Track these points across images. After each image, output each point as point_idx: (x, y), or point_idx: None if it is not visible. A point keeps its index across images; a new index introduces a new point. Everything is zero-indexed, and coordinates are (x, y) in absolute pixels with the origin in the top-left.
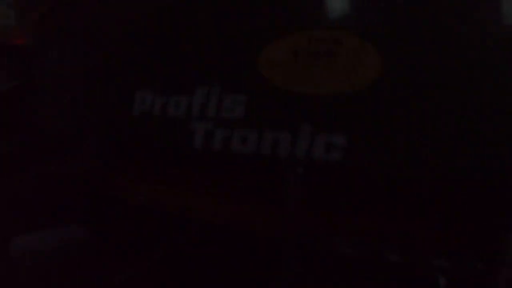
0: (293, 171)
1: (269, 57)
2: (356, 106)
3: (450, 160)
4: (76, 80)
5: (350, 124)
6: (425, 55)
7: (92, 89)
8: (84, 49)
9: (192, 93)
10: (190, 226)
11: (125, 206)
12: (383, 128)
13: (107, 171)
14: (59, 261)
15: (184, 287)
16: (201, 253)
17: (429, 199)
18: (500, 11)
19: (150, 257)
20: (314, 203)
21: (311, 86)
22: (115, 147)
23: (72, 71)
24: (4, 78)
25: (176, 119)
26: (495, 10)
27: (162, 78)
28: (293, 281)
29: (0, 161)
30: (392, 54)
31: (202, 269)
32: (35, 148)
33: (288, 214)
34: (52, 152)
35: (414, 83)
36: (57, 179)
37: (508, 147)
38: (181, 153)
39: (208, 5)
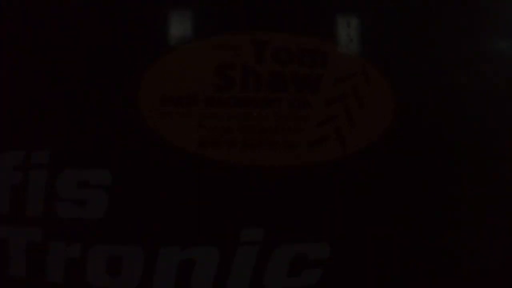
0: None
1: (162, 87)
2: (349, 185)
3: None
4: None
5: (338, 222)
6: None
7: None
8: None
9: None
10: None
11: None
12: (395, 223)
13: None
14: None
15: None
16: None
17: None
18: None
19: None
20: None
21: (261, 151)
22: None
23: None
24: None
25: None
26: None
27: None
28: None
29: None
30: (415, 88)
31: None
32: None
33: None
34: None
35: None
36: None
37: None
38: None
39: None
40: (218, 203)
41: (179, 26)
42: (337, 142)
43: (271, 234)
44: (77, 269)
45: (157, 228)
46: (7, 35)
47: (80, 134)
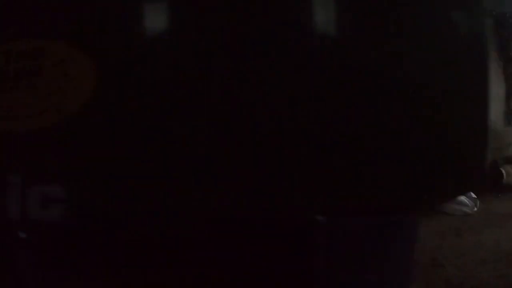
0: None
1: None
2: (65, 141)
3: None
4: None
5: (64, 167)
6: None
7: None
8: None
9: None
10: None
11: None
12: (112, 168)
13: None
14: None
15: None
16: None
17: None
18: None
19: None
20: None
21: (11, 120)
22: None
23: None
24: None
25: None
26: None
27: None
28: None
29: None
30: (113, 61)
31: None
32: None
33: None
34: None
35: (139, 103)
36: None
37: None
38: None
39: None
40: None
41: None
42: (55, 110)
43: (25, 179)
44: None
45: None
46: None
47: None
